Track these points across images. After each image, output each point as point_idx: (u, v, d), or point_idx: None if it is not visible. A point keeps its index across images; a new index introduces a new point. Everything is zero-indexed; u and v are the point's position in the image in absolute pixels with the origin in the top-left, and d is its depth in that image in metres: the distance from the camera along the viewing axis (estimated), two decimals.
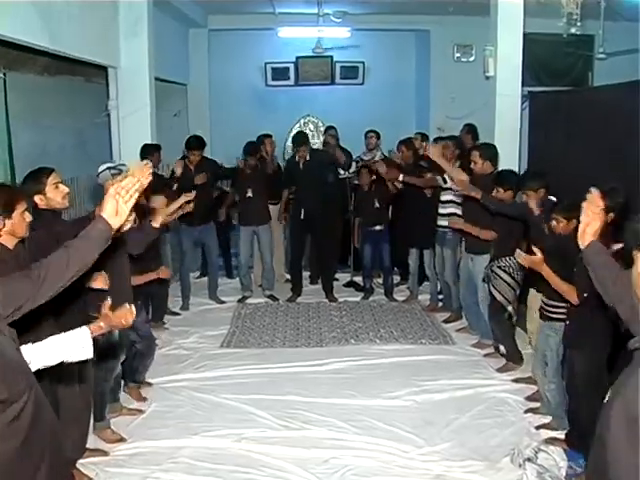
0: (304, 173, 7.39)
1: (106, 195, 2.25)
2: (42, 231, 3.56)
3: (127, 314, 2.63)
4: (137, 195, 2.28)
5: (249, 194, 7.26)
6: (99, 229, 2.22)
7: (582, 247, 2.43)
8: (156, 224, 4.30)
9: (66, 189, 3.65)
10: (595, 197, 2.40)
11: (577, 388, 3.99)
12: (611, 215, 3.68)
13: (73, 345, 2.47)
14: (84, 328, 2.51)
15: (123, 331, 4.27)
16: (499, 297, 5.22)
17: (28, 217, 2.99)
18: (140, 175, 2.27)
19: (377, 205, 7.34)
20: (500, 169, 5.73)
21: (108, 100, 6.91)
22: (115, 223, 2.23)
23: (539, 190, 4.73)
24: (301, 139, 7.55)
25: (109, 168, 4.03)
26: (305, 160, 7.36)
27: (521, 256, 4.02)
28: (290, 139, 8.42)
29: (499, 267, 5.21)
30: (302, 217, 7.38)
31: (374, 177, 7.26)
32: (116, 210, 2.22)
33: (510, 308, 5.24)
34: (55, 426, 2.06)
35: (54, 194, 3.57)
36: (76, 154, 7.48)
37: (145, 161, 4.37)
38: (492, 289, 5.28)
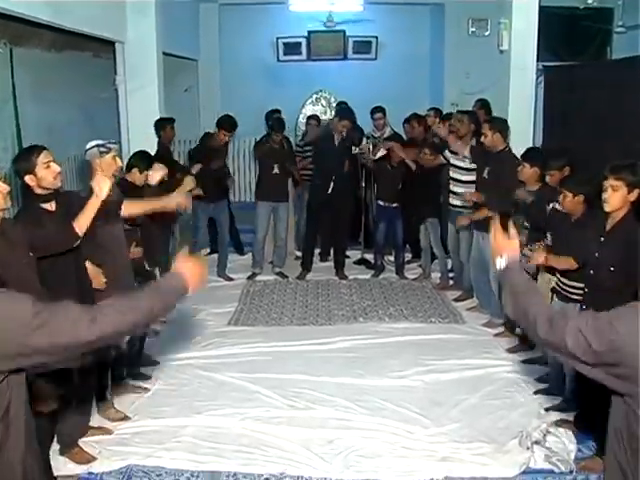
0: (337, 149, 7.19)
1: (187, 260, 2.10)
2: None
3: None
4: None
5: (275, 170, 7.12)
6: (175, 287, 2.05)
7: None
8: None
9: (58, 168, 3.43)
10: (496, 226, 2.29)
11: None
12: (637, 191, 3.52)
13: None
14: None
15: None
16: None
17: (3, 188, 2.82)
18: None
19: (399, 183, 7.20)
20: (530, 147, 5.60)
21: (115, 75, 6.83)
22: (194, 289, 2.08)
23: (564, 169, 4.57)
24: (347, 114, 7.28)
25: (98, 145, 3.92)
26: (342, 136, 7.16)
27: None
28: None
29: None
30: (329, 191, 7.19)
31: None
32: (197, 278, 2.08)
33: None
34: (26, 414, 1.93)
35: (45, 174, 3.35)
36: (83, 130, 7.40)
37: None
38: None
